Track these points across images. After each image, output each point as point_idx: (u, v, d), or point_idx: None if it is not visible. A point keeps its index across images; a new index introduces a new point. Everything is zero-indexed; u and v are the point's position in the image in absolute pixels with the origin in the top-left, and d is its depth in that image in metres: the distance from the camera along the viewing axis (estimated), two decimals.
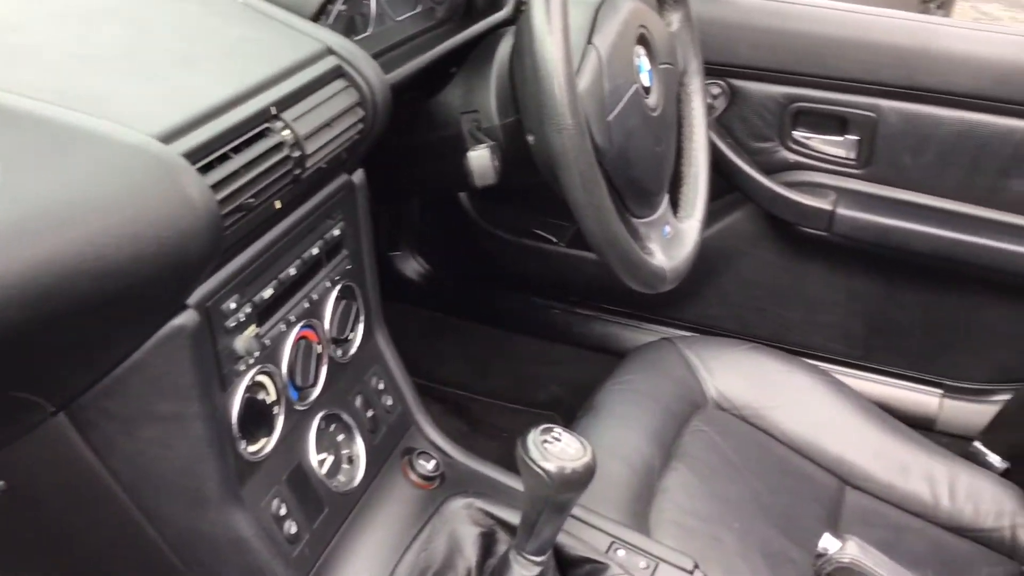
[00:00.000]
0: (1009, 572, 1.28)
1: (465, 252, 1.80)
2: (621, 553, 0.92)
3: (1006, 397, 1.46)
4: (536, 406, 1.71)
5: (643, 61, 1.07)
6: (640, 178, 1.05)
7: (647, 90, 1.06)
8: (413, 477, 0.96)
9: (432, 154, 1.11)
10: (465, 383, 1.75)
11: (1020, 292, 1.44)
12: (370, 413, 0.95)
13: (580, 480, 0.78)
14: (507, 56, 1.07)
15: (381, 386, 0.98)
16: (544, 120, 0.89)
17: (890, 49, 1.39)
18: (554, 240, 1.66)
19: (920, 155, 1.42)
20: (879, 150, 1.44)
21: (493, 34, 1.13)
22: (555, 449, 0.79)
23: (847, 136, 1.47)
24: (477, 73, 1.08)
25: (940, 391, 1.56)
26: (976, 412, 1.51)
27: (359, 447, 0.92)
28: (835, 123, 1.47)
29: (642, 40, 1.07)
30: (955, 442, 1.50)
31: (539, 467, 0.78)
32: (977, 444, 1.45)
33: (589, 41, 0.98)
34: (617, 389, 1.33)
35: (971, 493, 1.34)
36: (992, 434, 1.44)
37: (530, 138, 0.99)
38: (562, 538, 0.89)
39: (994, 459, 1.43)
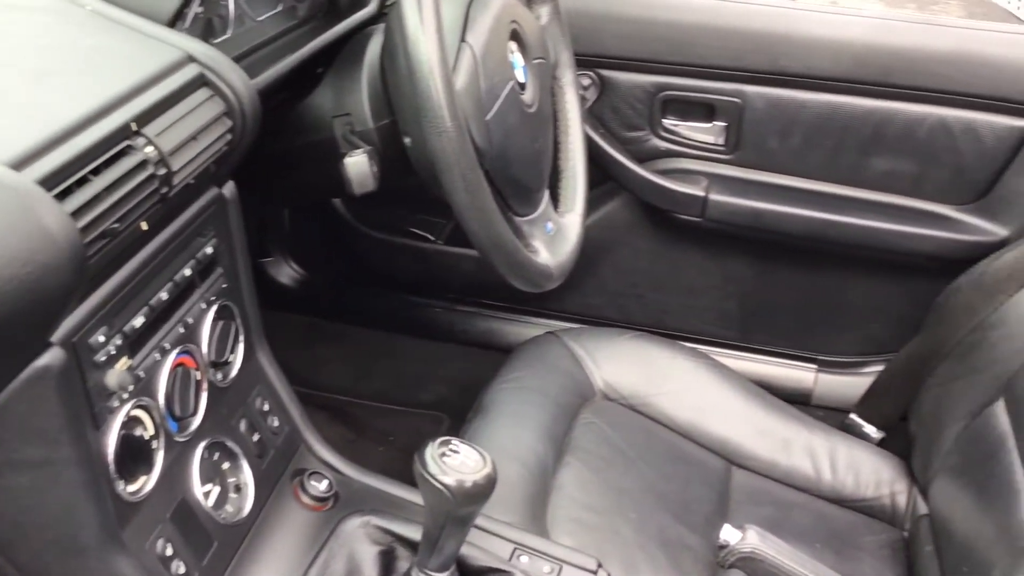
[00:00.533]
0: (892, 538, 1.33)
1: (340, 254, 1.75)
2: (524, 559, 0.91)
3: (878, 369, 1.51)
4: (422, 407, 1.69)
5: (517, 57, 1.05)
6: (521, 176, 1.03)
7: (523, 86, 1.05)
8: (305, 500, 0.92)
9: (305, 161, 1.07)
10: (348, 388, 1.70)
11: (886, 267, 1.50)
12: (256, 437, 0.91)
13: (482, 492, 0.77)
14: (378, 56, 1.03)
15: (266, 407, 0.94)
16: (422, 122, 0.87)
17: (753, 35, 1.41)
18: (431, 238, 1.63)
19: (786, 138, 1.46)
20: (746, 135, 1.47)
21: (361, 33, 1.10)
22: (454, 462, 0.77)
23: (715, 122, 1.49)
24: (347, 74, 1.04)
25: (815, 366, 1.61)
26: (850, 385, 1.57)
27: (246, 474, 0.88)
28: (703, 110, 1.49)
29: (515, 36, 1.05)
30: (831, 415, 1.55)
31: (439, 482, 0.75)
32: (853, 416, 1.50)
33: (463, 39, 0.96)
34: (506, 387, 1.32)
35: (850, 464, 1.39)
36: (866, 405, 1.49)
37: (407, 140, 0.96)
38: (464, 549, 0.87)
39: (870, 430, 1.49)
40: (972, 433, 1.27)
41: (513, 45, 1.05)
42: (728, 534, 0.83)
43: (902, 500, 1.36)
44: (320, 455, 0.97)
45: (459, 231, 1.44)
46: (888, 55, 1.37)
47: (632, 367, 1.42)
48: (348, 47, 1.08)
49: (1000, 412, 1.24)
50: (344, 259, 1.76)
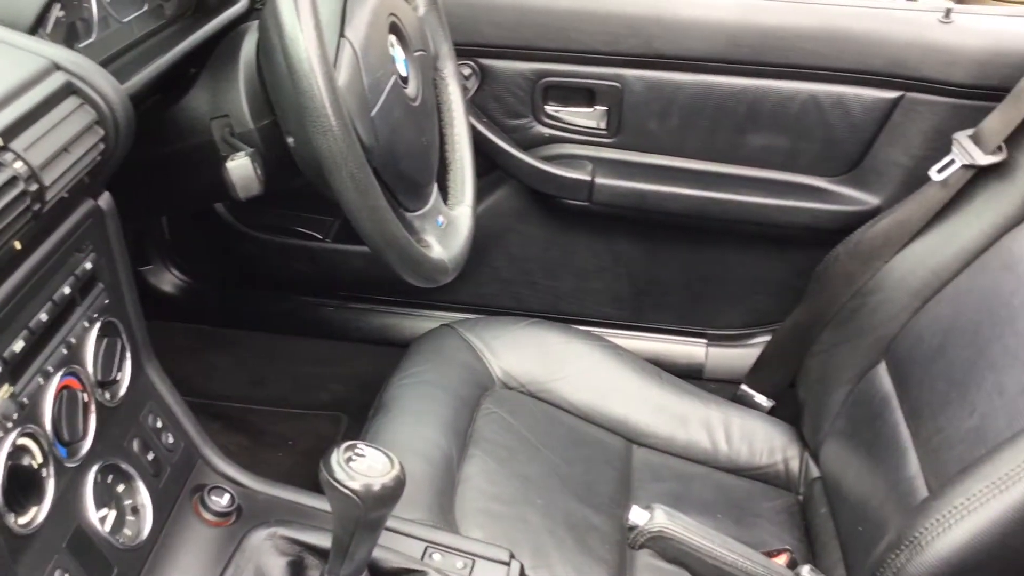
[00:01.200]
0: (788, 503, 1.38)
1: (224, 258, 1.70)
2: (437, 557, 0.90)
3: (765, 339, 1.56)
4: (320, 408, 1.66)
5: (397, 50, 1.04)
6: (409, 171, 1.02)
7: (405, 80, 1.04)
8: (207, 516, 0.89)
9: (184, 166, 1.03)
10: (242, 395, 1.66)
11: (767, 240, 1.55)
12: (151, 456, 0.87)
13: (392, 495, 0.76)
14: (254, 54, 1.01)
15: (159, 424, 0.90)
16: (305, 122, 0.85)
17: (628, 19, 1.43)
18: (319, 237, 1.60)
19: (665, 120, 1.48)
20: (627, 118, 1.49)
21: (235, 31, 1.06)
22: (361, 466, 0.76)
23: (596, 107, 1.51)
24: (223, 74, 1.01)
25: (705, 341, 1.65)
26: (740, 357, 1.61)
27: (143, 495, 0.85)
28: (584, 95, 1.50)
29: (394, 29, 1.04)
30: (724, 387, 1.60)
31: (347, 489, 0.74)
32: (744, 387, 1.55)
33: (341, 34, 0.94)
34: (405, 383, 1.31)
35: (744, 434, 1.43)
36: (756, 376, 1.54)
37: (290, 140, 0.94)
38: (375, 552, 0.86)
39: (761, 399, 1.53)
40: (857, 396, 1.33)
41: (393, 38, 1.04)
42: (636, 515, 0.85)
43: (795, 465, 1.41)
44: (219, 469, 0.94)
45: (347, 228, 1.43)
46: (759, 34, 1.41)
47: (529, 354, 1.43)
48: (222, 46, 1.05)
49: (883, 374, 1.30)
50: (229, 263, 1.71)
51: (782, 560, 0.93)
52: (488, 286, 1.65)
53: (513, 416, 1.34)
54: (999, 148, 1.22)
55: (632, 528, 0.85)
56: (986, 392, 1.07)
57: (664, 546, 0.84)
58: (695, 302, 1.64)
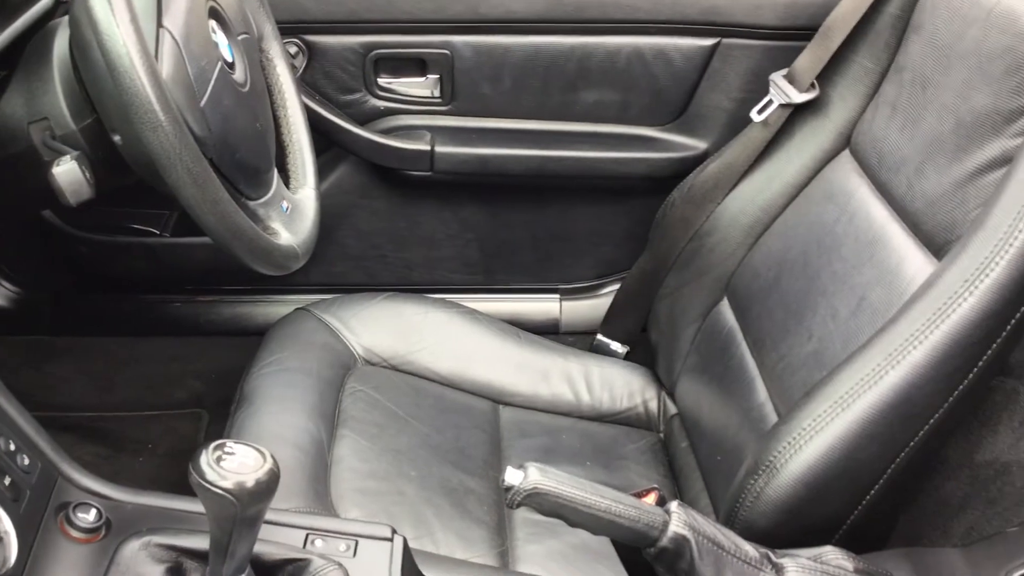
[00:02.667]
0: (651, 442, 1.44)
1: (56, 263, 1.62)
2: (319, 543, 0.90)
3: (615, 289, 1.61)
4: (178, 407, 1.61)
5: (220, 36, 1.01)
6: (247, 159, 1.00)
7: (232, 66, 1.01)
8: (75, 534, 0.86)
9: (6, 176, 0.98)
10: (93, 403, 1.60)
11: (607, 192, 1.59)
12: (7, 480, 0.83)
13: (267, 489, 0.75)
14: (67, 51, 0.96)
15: (12, 447, 0.86)
16: (132, 119, 0.82)
17: None
18: (156, 232, 1.55)
19: (497, 83, 1.49)
20: (460, 85, 1.50)
21: (43, 29, 1.01)
22: (232, 464, 0.74)
23: (428, 76, 1.50)
24: (36, 75, 0.96)
25: (558, 296, 1.69)
26: (593, 308, 1.66)
27: (4, 522, 0.81)
28: (415, 65, 1.50)
29: (214, 14, 1.01)
30: (580, 339, 1.64)
31: (220, 489, 0.73)
32: (599, 337, 1.60)
33: (160, 24, 0.90)
34: (265, 372, 1.29)
35: (604, 382, 1.48)
36: (609, 324, 1.59)
37: (116, 138, 0.91)
38: (257, 547, 0.85)
39: (616, 346, 1.59)
40: (704, 333, 1.39)
41: (214, 23, 1.01)
42: (511, 476, 0.87)
43: (654, 405, 1.47)
44: (81, 484, 0.90)
45: (184, 220, 1.39)
46: None
47: (388, 329, 1.43)
48: (31, 46, 0.99)
49: (726, 310, 1.36)
50: (62, 268, 1.63)
51: (651, 499, 0.97)
52: (339, 264, 1.63)
53: (379, 392, 1.35)
54: (812, 85, 1.29)
55: (508, 488, 0.87)
56: (820, 318, 1.15)
57: (540, 501, 0.86)
58: (545, 259, 1.67)
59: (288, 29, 1.40)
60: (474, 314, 1.50)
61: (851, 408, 0.93)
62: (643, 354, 1.54)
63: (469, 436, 1.35)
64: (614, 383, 1.48)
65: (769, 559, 0.90)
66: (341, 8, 1.42)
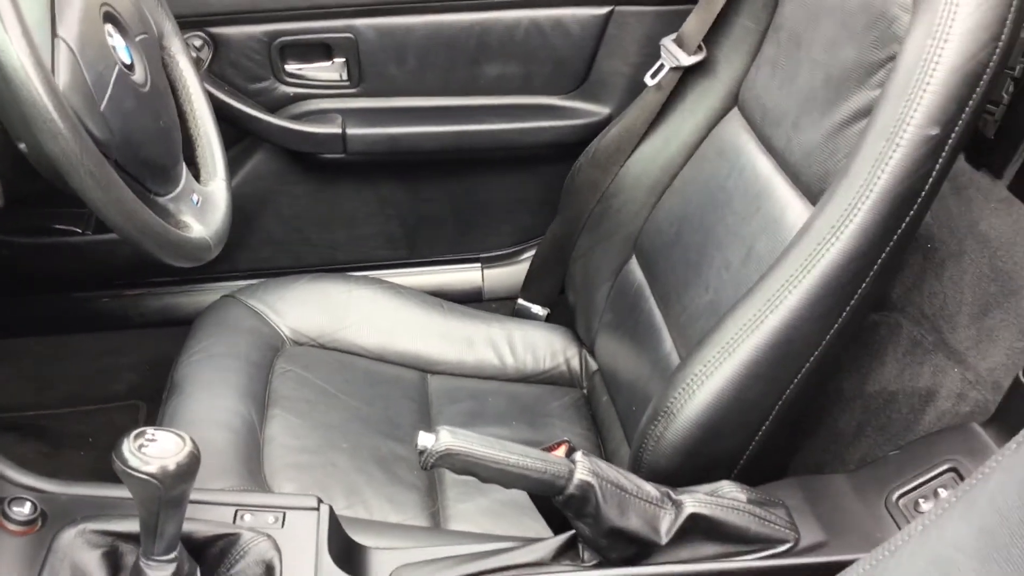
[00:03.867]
0: (574, 398, 1.50)
1: None
2: (248, 517, 0.95)
3: (532, 254, 1.67)
4: (115, 399, 1.64)
5: (117, 39, 1.03)
6: (153, 157, 1.04)
7: (130, 67, 1.04)
8: (11, 527, 0.90)
9: None
10: (31, 402, 1.62)
11: (518, 162, 1.65)
12: None
13: (189, 470, 0.80)
14: None
15: None
16: (33, 129, 0.85)
17: None
18: (78, 231, 1.57)
19: (402, 63, 1.53)
20: (366, 67, 1.53)
21: None
22: (154, 450, 0.79)
23: (335, 60, 1.54)
24: None
25: (480, 264, 1.75)
26: (513, 274, 1.72)
27: None
28: (321, 50, 1.53)
29: (109, 18, 1.03)
30: (503, 304, 1.70)
31: (143, 473, 0.78)
32: (520, 301, 1.66)
33: (54, 34, 0.93)
34: (194, 360, 1.33)
35: (527, 344, 1.54)
36: (529, 289, 1.65)
37: (21, 146, 0.93)
38: (187, 526, 0.90)
39: (537, 309, 1.65)
40: (616, 291, 1.46)
41: (110, 28, 1.03)
42: (424, 439, 0.92)
43: (576, 363, 1.54)
44: (14, 480, 0.94)
45: None
46: None
47: (314, 309, 1.48)
48: None
49: (634, 267, 1.43)
50: None
51: (562, 451, 1.03)
52: (263, 250, 1.67)
53: (308, 370, 1.39)
54: (699, 48, 1.34)
55: (422, 452, 0.93)
56: (715, 269, 1.21)
57: (452, 462, 0.92)
58: (464, 230, 1.72)
59: (192, 22, 1.43)
60: (397, 288, 1.55)
61: (736, 352, 1.00)
62: (562, 314, 1.60)
63: (398, 406, 1.40)
64: (536, 344, 1.54)
65: (669, 497, 0.97)
66: None
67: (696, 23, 1.34)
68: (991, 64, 0.91)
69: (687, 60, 1.34)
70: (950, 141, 0.93)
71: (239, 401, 1.27)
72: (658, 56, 1.39)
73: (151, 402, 1.60)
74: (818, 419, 1.25)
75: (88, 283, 1.66)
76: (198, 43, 1.46)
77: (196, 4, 1.43)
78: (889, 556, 0.75)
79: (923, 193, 0.95)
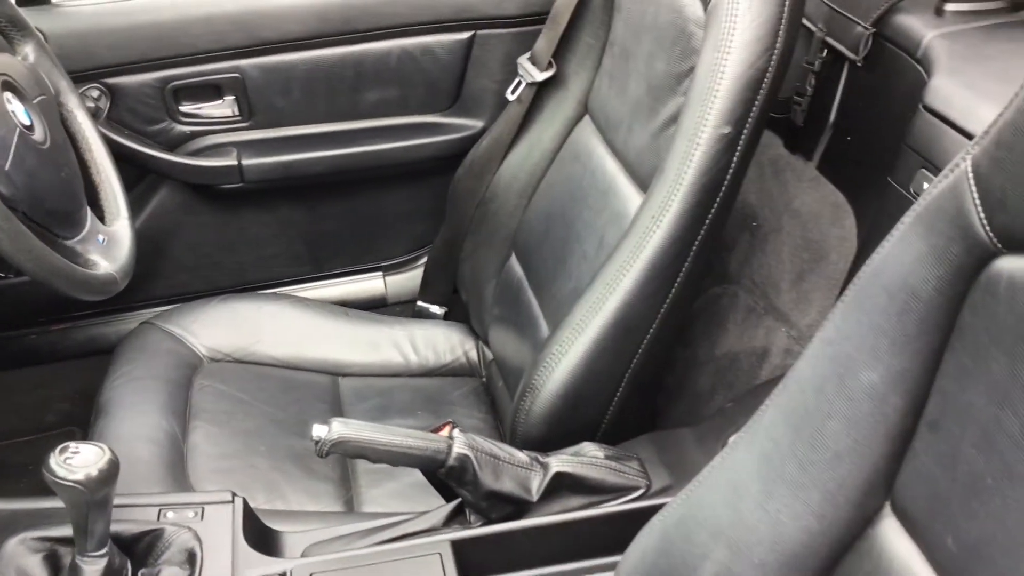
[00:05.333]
0: (474, 386, 1.65)
1: None
2: (170, 515, 1.08)
3: (424, 260, 1.81)
4: (51, 428, 1.75)
5: (16, 104, 1.16)
6: (57, 206, 1.16)
7: (30, 128, 1.16)
8: None
9: None
10: None
11: (406, 176, 1.78)
12: None
13: (110, 474, 0.92)
14: None
15: None
16: None
17: (231, 17, 1.58)
18: (2, 275, 1.67)
19: (288, 96, 1.66)
20: (255, 102, 1.66)
21: None
22: (78, 461, 0.92)
23: (225, 98, 1.66)
24: None
25: (381, 273, 1.89)
26: (411, 279, 1.86)
27: None
28: (211, 90, 1.65)
29: (7, 86, 1.15)
30: (405, 308, 1.84)
31: (70, 481, 0.90)
32: (420, 303, 1.80)
33: None
34: (117, 384, 1.44)
35: (428, 341, 1.68)
36: (426, 291, 1.79)
37: None
38: (116, 526, 1.03)
39: (435, 309, 1.79)
40: (501, 286, 1.61)
41: (8, 95, 1.15)
42: (317, 431, 1.06)
43: (473, 355, 1.68)
44: None
45: None
46: (344, 8, 1.61)
47: (227, 327, 1.59)
48: None
49: (515, 263, 1.58)
50: None
51: (447, 431, 1.18)
52: (177, 276, 1.78)
53: (225, 384, 1.52)
54: (550, 64, 1.50)
55: (317, 442, 1.07)
56: (576, 259, 1.37)
57: (344, 448, 1.06)
58: (363, 243, 1.85)
59: (88, 76, 1.54)
60: (304, 301, 1.69)
61: (585, 332, 1.16)
62: (458, 312, 1.75)
63: (311, 408, 1.53)
64: (436, 341, 1.68)
65: (537, 460, 1.13)
66: (133, 51, 1.56)
67: (545, 42, 1.49)
68: (769, 70, 1.08)
69: (540, 76, 1.50)
70: (743, 137, 1.10)
71: (162, 417, 1.40)
72: (516, 73, 1.55)
73: (84, 427, 1.69)
74: (679, 383, 1.42)
75: (15, 322, 1.76)
76: (95, 94, 1.57)
77: (91, 59, 1.54)
78: (699, 485, 0.92)
79: (725, 183, 1.11)
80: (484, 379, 1.67)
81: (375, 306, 1.81)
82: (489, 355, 1.65)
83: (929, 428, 0.74)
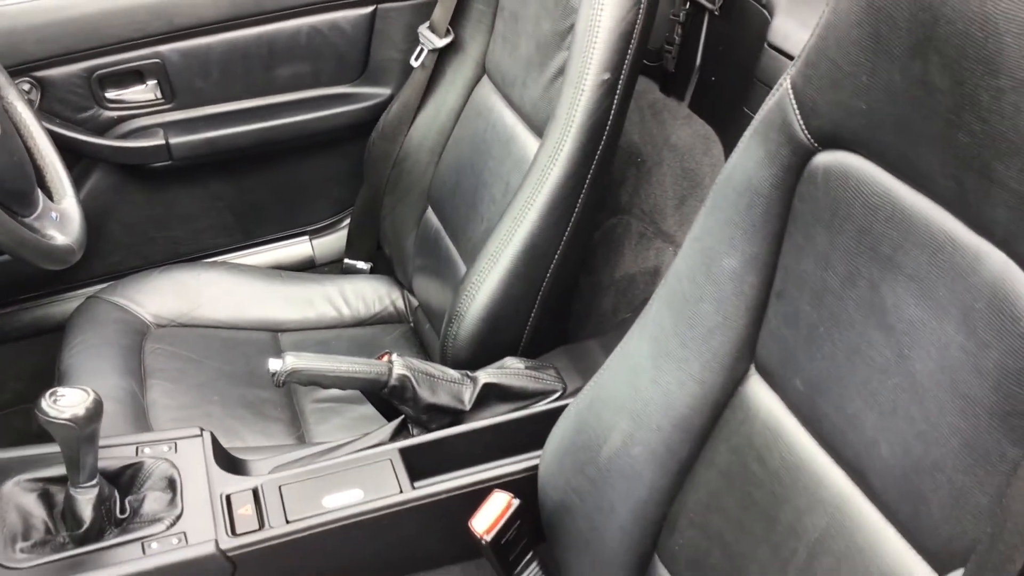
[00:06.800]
0: (403, 331, 1.81)
1: None
2: (147, 450, 1.21)
3: (348, 221, 1.96)
4: (7, 407, 1.83)
5: None
6: (14, 187, 1.28)
7: None
8: None
9: None
10: None
11: (326, 144, 1.91)
12: None
13: (97, 411, 1.05)
14: None
15: None
16: None
17: (148, 7, 1.69)
18: None
19: (208, 77, 1.77)
20: (176, 84, 1.77)
21: None
22: (66, 402, 1.05)
23: (148, 83, 1.77)
24: None
25: (308, 236, 2.02)
26: (338, 239, 2.00)
27: None
28: (134, 76, 1.75)
29: None
30: (333, 267, 1.99)
31: (62, 419, 1.03)
32: (347, 260, 1.95)
33: None
34: (75, 352, 1.56)
35: (358, 295, 1.83)
36: (352, 249, 1.94)
37: None
38: (101, 463, 1.15)
39: (362, 265, 1.94)
40: (421, 237, 1.77)
41: None
42: (274, 364, 1.21)
43: (400, 303, 1.84)
44: None
45: None
46: None
47: (169, 295, 1.71)
48: None
49: (431, 215, 1.74)
50: None
51: (387, 359, 1.34)
52: (115, 254, 1.87)
53: (173, 346, 1.65)
54: (448, 31, 1.66)
55: (274, 374, 1.22)
56: (486, 204, 1.54)
57: (298, 377, 1.21)
58: (290, 210, 1.98)
59: (19, 71, 1.63)
60: (240, 267, 1.82)
61: (499, 261, 1.33)
62: (383, 265, 1.90)
63: (257, 361, 1.66)
64: (365, 294, 1.83)
65: (467, 375, 1.30)
66: (57, 44, 1.65)
67: (442, 11, 1.65)
68: (638, 22, 1.26)
69: (440, 43, 1.65)
70: (620, 82, 1.28)
71: (120, 378, 1.52)
72: (419, 43, 1.70)
73: None
74: (586, 307, 1.60)
75: None
76: (27, 87, 1.66)
77: (19, 54, 1.62)
78: (603, 372, 1.10)
79: (609, 122, 1.29)
80: (412, 324, 1.82)
81: (304, 268, 1.95)
82: (414, 302, 1.81)
83: (777, 297, 0.92)
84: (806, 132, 0.85)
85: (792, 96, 0.86)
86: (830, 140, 0.83)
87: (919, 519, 0.76)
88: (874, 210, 0.79)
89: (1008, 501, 0.64)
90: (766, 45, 1.27)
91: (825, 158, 0.84)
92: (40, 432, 1.05)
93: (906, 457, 0.77)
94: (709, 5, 1.41)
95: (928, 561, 0.75)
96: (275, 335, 1.75)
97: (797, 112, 0.86)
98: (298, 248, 2.01)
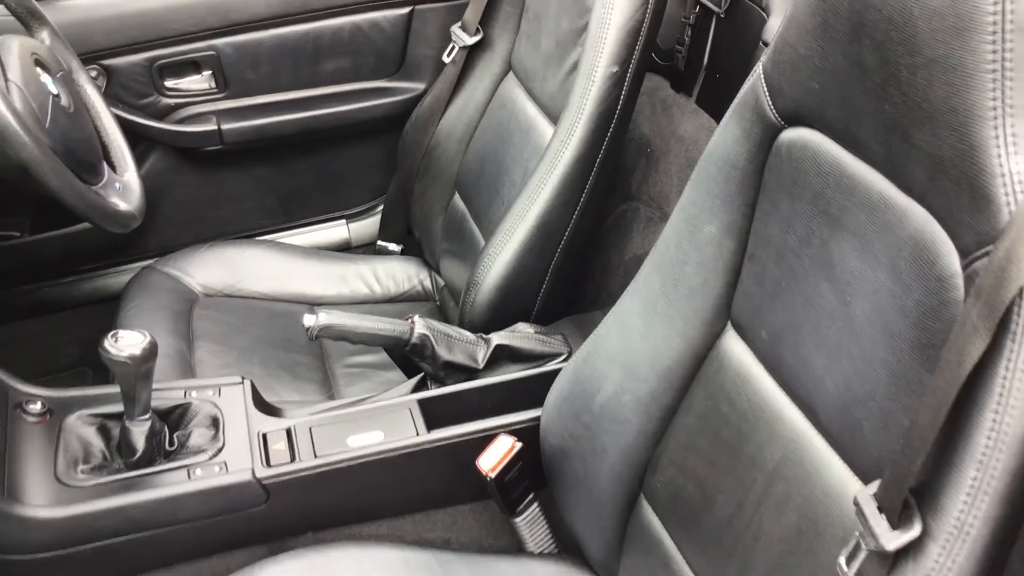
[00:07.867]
0: (430, 308, 1.91)
1: None
2: (194, 393, 1.35)
3: (382, 206, 2.10)
4: (66, 368, 1.98)
5: (46, 77, 1.43)
6: (85, 157, 1.43)
7: (58, 96, 1.43)
8: (30, 419, 1.28)
9: None
10: None
11: (364, 133, 2.05)
12: None
13: (152, 352, 1.18)
14: None
15: None
16: (5, 144, 1.24)
17: (206, 3, 1.84)
18: (16, 235, 1.91)
19: (258, 69, 1.93)
20: (229, 75, 1.92)
21: None
22: (125, 343, 1.19)
23: (203, 73, 1.93)
24: None
25: (345, 220, 2.16)
26: (371, 223, 2.15)
27: None
28: (191, 67, 1.91)
29: (38, 63, 1.42)
30: (367, 248, 2.13)
31: (123, 357, 1.17)
32: (380, 242, 2.09)
33: (6, 79, 1.32)
34: (131, 314, 1.70)
35: (389, 274, 1.96)
36: (385, 231, 2.08)
37: None
38: (153, 403, 1.28)
39: (393, 247, 2.08)
40: (447, 221, 1.90)
41: (39, 70, 1.42)
42: (307, 319, 1.35)
43: (428, 283, 1.97)
44: (23, 389, 1.29)
45: (39, 219, 1.78)
46: None
47: (217, 268, 1.85)
48: None
49: (458, 200, 1.87)
50: None
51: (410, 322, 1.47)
52: (168, 231, 2.02)
53: (220, 313, 1.79)
54: (478, 30, 1.79)
55: (308, 328, 1.35)
56: (507, 188, 1.67)
57: (329, 332, 1.34)
58: (329, 194, 2.12)
59: (88, 58, 1.79)
60: (282, 245, 1.97)
61: (514, 235, 1.47)
62: (412, 248, 2.04)
63: (295, 330, 1.79)
64: (396, 273, 1.97)
65: (482, 337, 1.43)
66: (123, 36, 1.82)
67: (473, 12, 1.79)
68: (645, 21, 1.39)
69: (470, 40, 1.79)
70: (628, 75, 1.41)
71: (170, 338, 1.66)
72: (451, 40, 1.84)
73: (94, 368, 1.96)
74: (597, 287, 1.72)
75: (29, 277, 1.98)
76: (95, 73, 1.82)
77: (88, 44, 1.78)
78: (600, 328, 1.22)
79: (617, 112, 1.42)
80: (437, 303, 1.95)
81: (341, 249, 2.10)
82: (441, 282, 1.94)
83: (748, 259, 1.04)
84: (774, 111, 0.97)
85: (763, 80, 0.98)
86: (793, 117, 0.95)
87: (855, 443, 0.88)
88: (825, 177, 0.91)
89: (914, 415, 0.76)
90: (761, 43, 1.40)
91: (789, 134, 0.96)
92: None
93: (847, 391, 0.88)
94: (716, 8, 1.54)
95: (860, 478, 0.87)
96: (312, 308, 1.88)
97: (767, 94, 0.98)
98: (336, 231, 2.16)
